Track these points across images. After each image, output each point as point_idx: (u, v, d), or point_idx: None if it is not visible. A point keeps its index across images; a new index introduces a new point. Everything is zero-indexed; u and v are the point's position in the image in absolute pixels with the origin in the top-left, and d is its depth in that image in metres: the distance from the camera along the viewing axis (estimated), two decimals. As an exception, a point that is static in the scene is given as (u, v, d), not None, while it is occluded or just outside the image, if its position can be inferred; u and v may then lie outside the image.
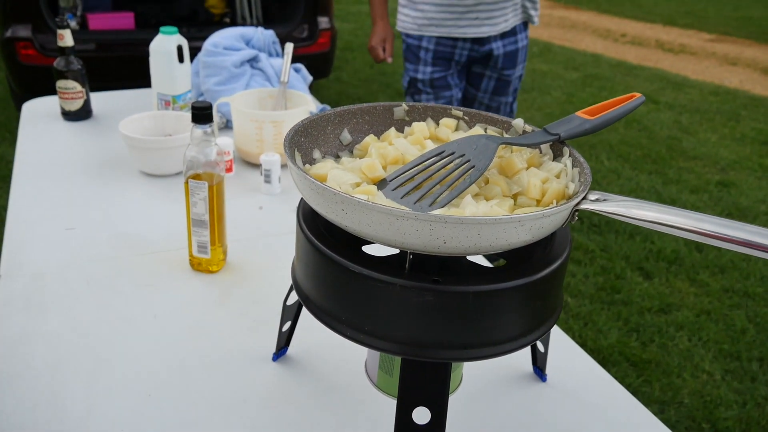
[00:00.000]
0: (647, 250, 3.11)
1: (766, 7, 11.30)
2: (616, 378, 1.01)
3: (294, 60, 1.98)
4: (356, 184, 0.69)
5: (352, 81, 5.60)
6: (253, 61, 1.90)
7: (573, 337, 2.44)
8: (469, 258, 0.77)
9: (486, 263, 1.18)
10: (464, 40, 2.40)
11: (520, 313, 0.66)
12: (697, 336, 2.52)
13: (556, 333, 1.08)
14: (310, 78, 1.95)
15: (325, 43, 4.12)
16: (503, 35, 2.43)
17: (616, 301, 2.71)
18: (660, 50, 7.85)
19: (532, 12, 2.48)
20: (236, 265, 1.21)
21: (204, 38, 1.91)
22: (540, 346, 0.95)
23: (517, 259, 0.70)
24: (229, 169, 1.54)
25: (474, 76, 2.53)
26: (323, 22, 4.10)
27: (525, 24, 2.51)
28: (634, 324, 2.57)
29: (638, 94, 0.82)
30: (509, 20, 2.42)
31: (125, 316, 1.05)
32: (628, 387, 2.18)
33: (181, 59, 1.75)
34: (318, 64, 4.16)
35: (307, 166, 0.75)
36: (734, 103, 5.71)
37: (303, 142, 0.76)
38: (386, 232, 0.59)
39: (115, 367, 0.94)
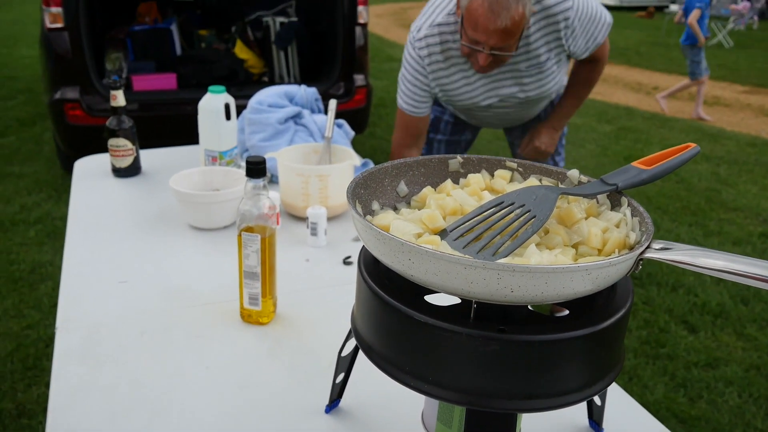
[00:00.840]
0: (691, 303, 3.04)
1: (799, 58, 11.27)
2: (667, 435, 0.99)
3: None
4: (418, 234, 0.70)
5: (386, 136, 5.68)
6: (296, 118, 1.95)
7: (619, 393, 2.38)
8: (530, 307, 0.77)
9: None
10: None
11: (585, 364, 0.66)
12: (747, 392, 2.44)
13: (611, 386, 1.06)
14: (352, 133, 1.99)
15: (361, 99, 4.21)
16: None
17: (662, 356, 2.64)
18: (693, 102, 7.84)
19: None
20: (286, 316, 1.22)
21: (245, 96, 1.97)
22: (597, 399, 0.94)
23: (579, 310, 0.70)
24: (276, 223, 1.56)
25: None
26: (359, 79, 4.20)
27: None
28: (681, 379, 2.50)
29: (693, 145, 0.82)
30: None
31: (178, 368, 1.06)
32: (678, 445, 2.11)
33: (228, 116, 1.80)
34: (354, 120, 4.23)
35: (369, 217, 0.77)
36: (772, 153, 5.65)
37: (363, 194, 0.78)
38: (453, 281, 0.60)
39: (170, 419, 0.95)
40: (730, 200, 4.43)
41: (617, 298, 0.70)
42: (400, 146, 2.14)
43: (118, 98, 1.85)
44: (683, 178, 4.83)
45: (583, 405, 0.97)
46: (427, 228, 0.71)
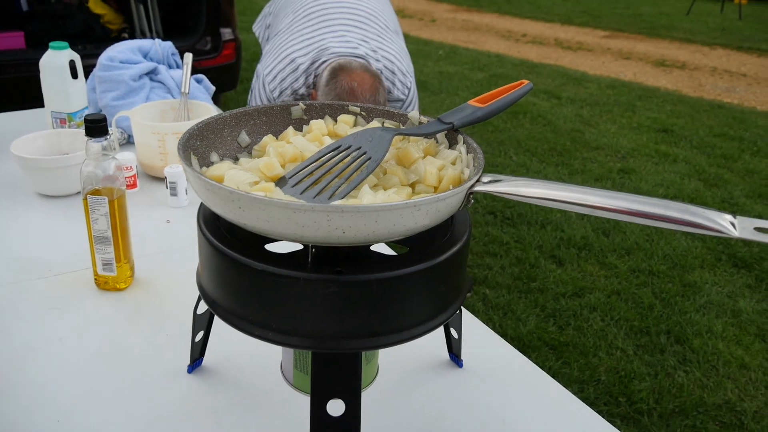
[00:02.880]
0: (558, 238, 3.22)
1: (655, 4, 11.97)
2: (536, 362, 1.05)
3: (199, 72, 1.95)
4: (255, 182, 0.68)
5: (261, 92, 5.55)
6: (152, 74, 1.85)
7: (493, 327, 2.50)
8: (373, 248, 0.78)
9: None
10: None
11: (425, 298, 0.67)
12: (609, 316, 2.64)
13: (473, 321, 1.10)
14: (212, 88, 1.92)
15: (230, 54, 4.07)
16: None
17: (533, 289, 2.79)
18: (559, 48, 8.18)
19: None
20: (145, 281, 1.18)
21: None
22: (453, 332, 0.97)
23: (420, 246, 0.71)
24: (133, 185, 1.50)
25: None
26: (226, 33, 4.05)
27: None
28: (551, 310, 2.66)
29: (526, 81, 0.85)
30: None
31: (29, 343, 1.00)
32: (548, 370, 2.25)
33: (74, 75, 1.69)
34: (224, 76, 4.10)
35: (204, 168, 0.74)
36: (630, 95, 6.01)
37: (199, 146, 0.75)
38: (285, 226, 0.59)
39: (20, 395, 0.90)
40: (593, 140, 4.69)
41: (455, 232, 0.72)
42: None
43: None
44: (550, 121, 5.06)
45: (443, 339, 1.01)
46: (264, 176, 0.70)
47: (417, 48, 7.71)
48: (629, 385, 2.23)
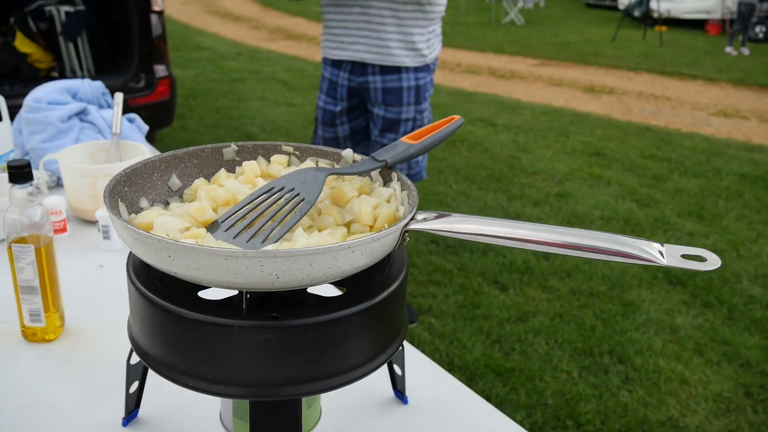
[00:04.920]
0: (500, 264, 3.26)
1: (581, 32, 12.44)
2: (483, 390, 1.05)
3: (133, 110, 1.91)
4: (185, 228, 0.67)
5: (197, 128, 5.49)
6: (82, 115, 1.81)
7: (440, 357, 2.51)
8: (311, 290, 0.77)
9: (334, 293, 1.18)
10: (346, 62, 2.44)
11: (364, 338, 0.67)
12: (553, 339, 2.67)
13: (416, 355, 1.10)
14: (146, 127, 1.88)
15: (165, 91, 4.01)
16: (383, 70, 2.40)
17: (477, 316, 2.81)
18: (493, 77, 8.39)
19: (425, 51, 2.42)
20: (76, 329, 1.13)
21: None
22: (397, 369, 0.96)
23: (357, 286, 0.71)
24: (62, 230, 1.45)
25: (371, 113, 2.52)
26: (160, 70, 4.00)
27: (418, 67, 2.43)
28: (496, 336, 2.68)
29: (457, 117, 0.86)
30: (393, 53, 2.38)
31: (-51, 403, 0.95)
32: (495, 397, 2.26)
33: (-1, 118, 1.63)
34: (159, 113, 4.04)
35: (132, 215, 0.72)
36: (563, 120, 6.19)
37: (127, 192, 0.73)
38: (217, 273, 0.58)
39: (-62, 462, 0.84)
40: (529, 165, 4.80)
41: (392, 271, 0.72)
42: None
43: None
44: (487, 149, 5.16)
45: (387, 376, 0.99)
46: (196, 222, 0.69)
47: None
48: (576, 408, 2.26)
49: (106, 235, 1.40)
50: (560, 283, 3.13)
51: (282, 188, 0.71)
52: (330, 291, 1.21)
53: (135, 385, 0.90)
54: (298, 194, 0.70)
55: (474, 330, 2.72)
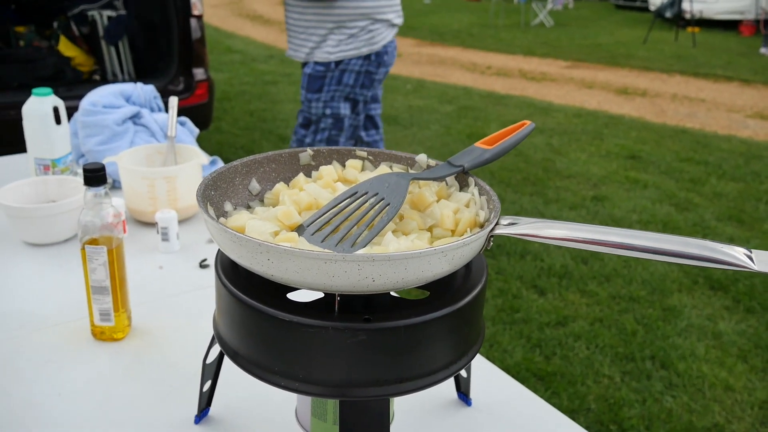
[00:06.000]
0: (539, 268, 3.25)
1: (611, 34, 12.32)
2: (528, 394, 1.05)
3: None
4: (275, 232, 0.69)
5: (232, 130, 5.55)
6: (135, 118, 1.85)
7: (481, 360, 2.50)
8: (392, 294, 0.79)
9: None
10: None
11: (449, 342, 0.68)
12: (593, 343, 2.66)
13: (477, 358, 1.10)
14: (196, 130, 1.92)
15: (203, 94, 4.06)
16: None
17: (517, 320, 2.81)
18: (524, 79, 8.35)
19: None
20: (142, 329, 1.16)
21: (75, 97, 1.84)
22: (462, 371, 0.97)
23: (439, 290, 0.72)
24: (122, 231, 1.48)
25: None
26: (199, 73, 4.05)
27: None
28: (536, 340, 2.67)
29: (528, 122, 0.87)
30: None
31: (26, 400, 0.98)
32: (538, 401, 2.26)
33: (58, 121, 1.67)
34: (198, 116, 4.07)
35: (222, 219, 0.74)
36: (596, 123, 6.15)
37: (214, 196, 0.75)
38: (315, 276, 0.59)
39: (23, 456, 0.87)
40: (564, 168, 4.77)
41: (473, 275, 0.73)
42: None
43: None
44: (521, 152, 5.13)
45: (451, 379, 1.01)
46: (283, 225, 0.70)
47: (385, 83, 7.78)
48: (619, 413, 2.25)
49: (165, 237, 1.42)
50: (599, 287, 3.11)
51: (366, 193, 0.73)
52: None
53: (208, 384, 0.92)
54: (383, 199, 0.71)
55: (514, 334, 2.71)
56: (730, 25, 13.04)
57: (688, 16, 11.55)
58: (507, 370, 2.46)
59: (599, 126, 6.02)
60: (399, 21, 2.83)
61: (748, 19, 12.75)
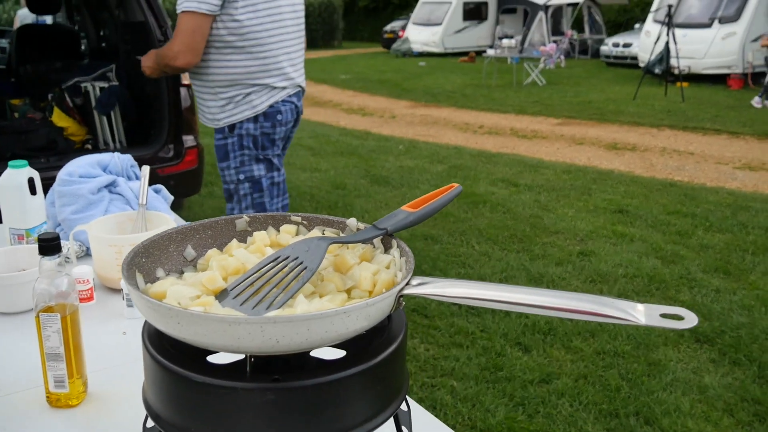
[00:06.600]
0: (523, 325, 3.25)
1: (602, 91, 12.57)
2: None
3: (163, 179, 2.00)
4: (196, 296, 0.72)
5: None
6: (111, 186, 1.90)
7: (462, 420, 2.49)
8: (314, 353, 0.81)
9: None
10: None
11: (364, 398, 0.70)
12: (577, 401, 2.64)
13: (429, 420, 1.11)
14: (170, 198, 1.97)
15: (193, 160, 4.15)
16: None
17: (500, 379, 2.80)
18: (515, 137, 8.49)
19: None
20: (99, 395, 1.17)
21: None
22: (405, 430, 0.98)
23: (358, 348, 0.74)
24: (89, 298, 1.51)
25: None
26: (189, 140, 4.15)
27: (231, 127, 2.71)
28: (519, 398, 2.65)
29: (456, 185, 0.91)
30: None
31: (-24, 468, 0.99)
32: (519, 461, 2.23)
33: (33, 191, 1.72)
34: (188, 182, 4.17)
35: (149, 285, 0.77)
36: (585, 178, 6.22)
37: (144, 263, 0.79)
38: (222, 338, 0.62)
39: None
40: (551, 224, 4.82)
41: (392, 332, 0.76)
42: (192, 50, 2.51)
43: None
44: (509, 209, 5.19)
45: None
46: (207, 290, 0.74)
47: (378, 144, 7.94)
48: (601, 471, 2.22)
49: (130, 303, 1.45)
50: (584, 343, 3.10)
51: (287, 257, 0.76)
52: (334, 353, 1.24)
53: (152, 449, 0.93)
54: (301, 262, 0.74)
55: (497, 392, 2.70)
56: (718, 79, 13.31)
57: (676, 71, 11.80)
58: (489, 430, 2.44)
59: (588, 181, 6.09)
60: (284, 83, 2.68)
61: (736, 73, 13.02)
